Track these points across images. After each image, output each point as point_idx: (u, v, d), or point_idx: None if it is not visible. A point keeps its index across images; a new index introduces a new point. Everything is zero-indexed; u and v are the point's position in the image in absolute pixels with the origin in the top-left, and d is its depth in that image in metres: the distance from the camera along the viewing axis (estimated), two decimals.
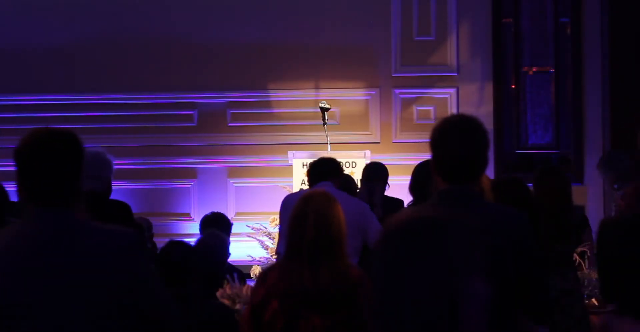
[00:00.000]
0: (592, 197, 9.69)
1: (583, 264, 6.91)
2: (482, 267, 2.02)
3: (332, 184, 6.14)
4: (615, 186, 7.77)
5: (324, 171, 6.29)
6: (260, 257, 8.78)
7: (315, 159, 6.63)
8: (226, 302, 5.00)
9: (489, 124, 9.69)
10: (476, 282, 2.00)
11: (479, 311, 1.99)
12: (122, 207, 5.55)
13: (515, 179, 5.73)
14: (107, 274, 2.84)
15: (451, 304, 1.95)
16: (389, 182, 7.28)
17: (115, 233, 2.93)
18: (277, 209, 6.39)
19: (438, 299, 1.94)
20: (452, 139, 3.29)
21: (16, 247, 2.87)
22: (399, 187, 7.31)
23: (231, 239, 7.23)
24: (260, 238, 8.87)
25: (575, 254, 6.43)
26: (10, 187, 8.13)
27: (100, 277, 2.84)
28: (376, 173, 7.19)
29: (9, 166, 6.79)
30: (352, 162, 8.47)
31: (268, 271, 4.11)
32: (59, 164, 2.89)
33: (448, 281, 1.97)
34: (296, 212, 4.12)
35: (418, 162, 8.22)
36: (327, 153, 7.84)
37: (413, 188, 6.21)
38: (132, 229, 2.99)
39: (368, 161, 8.15)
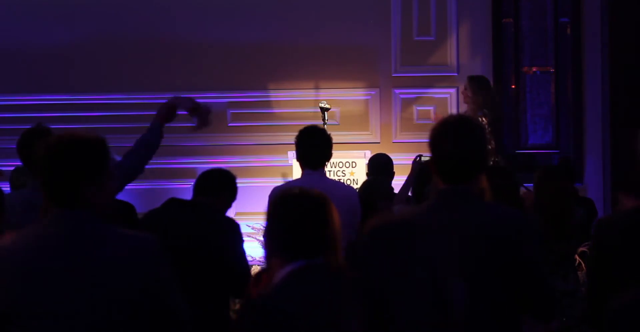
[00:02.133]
0: (592, 197, 9.68)
1: (583, 264, 6.91)
2: (461, 270, 2.04)
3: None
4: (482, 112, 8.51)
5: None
6: (260, 257, 8.77)
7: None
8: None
9: None
10: (456, 285, 2.02)
11: (459, 312, 2.02)
12: (126, 208, 5.59)
13: (499, 167, 5.75)
14: (126, 278, 2.88)
15: (435, 304, 1.97)
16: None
17: (135, 238, 2.97)
18: None
19: (422, 300, 1.96)
20: (448, 140, 3.30)
21: (36, 247, 2.91)
22: (399, 188, 7.31)
23: None
24: (261, 238, 8.87)
25: (575, 255, 6.44)
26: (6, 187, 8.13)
27: (119, 281, 2.87)
28: (386, 167, 7.22)
29: (10, 166, 6.74)
30: (352, 162, 8.49)
31: (262, 273, 4.11)
32: (76, 168, 2.93)
33: (430, 281, 1.99)
34: None
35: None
36: None
37: (413, 188, 6.23)
38: (152, 235, 3.01)
39: (368, 162, 8.15)
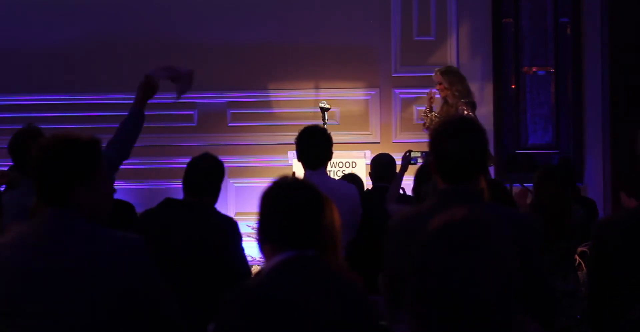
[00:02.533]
0: (592, 197, 9.68)
1: (583, 264, 6.91)
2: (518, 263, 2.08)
3: None
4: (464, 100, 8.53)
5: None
6: (260, 257, 8.77)
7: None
8: None
9: (489, 124, 9.69)
10: (518, 277, 2.05)
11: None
12: (126, 208, 5.59)
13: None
14: (112, 278, 2.88)
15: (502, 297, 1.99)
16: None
17: (121, 238, 2.97)
18: None
19: (489, 293, 1.96)
20: (449, 140, 3.30)
21: (23, 246, 2.93)
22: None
23: None
24: None
25: (575, 255, 6.44)
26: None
27: (105, 281, 2.87)
28: (388, 167, 7.22)
29: (7, 167, 6.72)
30: (352, 162, 8.48)
31: (262, 271, 4.11)
32: (68, 167, 2.95)
33: (499, 276, 2.01)
34: None
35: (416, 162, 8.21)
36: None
37: (413, 187, 6.25)
38: (138, 235, 3.02)
39: (368, 162, 8.15)
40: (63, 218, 2.94)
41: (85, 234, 2.93)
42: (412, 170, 7.72)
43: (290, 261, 2.89)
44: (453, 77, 8.67)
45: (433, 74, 8.84)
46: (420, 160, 6.65)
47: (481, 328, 2.02)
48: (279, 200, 2.93)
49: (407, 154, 6.82)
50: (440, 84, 8.71)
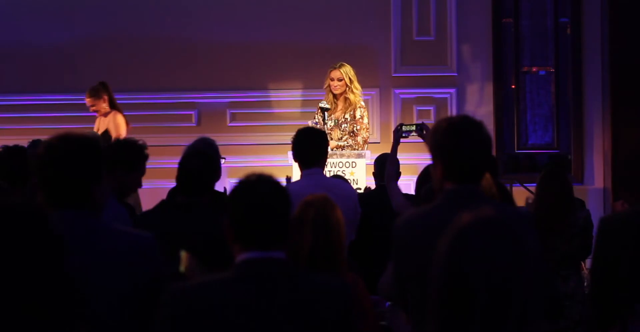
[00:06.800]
0: (592, 197, 9.68)
1: (583, 264, 6.91)
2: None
3: None
4: None
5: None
6: None
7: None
8: None
9: (489, 124, 9.66)
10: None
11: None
12: (127, 209, 5.58)
13: None
14: (124, 277, 2.88)
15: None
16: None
17: (132, 237, 2.97)
18: None
19: (524, 290, 1.95)
20: (457, 140, 3.28)
21: None
22: (405, 188, 7.30)
23: None
24: None
25: (577, 255, 6.43)
26: None
27: (117, 280, 2.87)
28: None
29: None
30: (352, 162, 8.46)
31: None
32: (76, 167, 2.93)
33: (528, 273, 2.00)
34: (295, 217, 4.08)
35: (418, 162, 8.22)
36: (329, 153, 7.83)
37: (416, 188, 6.24)
38: (149, 233, 3.01)
39: (368, 161, 8.14)
40: (83, 220, 2.92)
41: (103, 234, 2.93)
42: (412, 170, 7.71)
43: (249, 262, 2.77)
44: (352, 74, 8.68)
45: (336, 70, 8.67)
46: (414, 134, 6.26)
47: (513, 326, 2.00)
48: (241, 197, 2.80)
49: (399, 127, 6.40)
50: (340, 80, 8.68)
